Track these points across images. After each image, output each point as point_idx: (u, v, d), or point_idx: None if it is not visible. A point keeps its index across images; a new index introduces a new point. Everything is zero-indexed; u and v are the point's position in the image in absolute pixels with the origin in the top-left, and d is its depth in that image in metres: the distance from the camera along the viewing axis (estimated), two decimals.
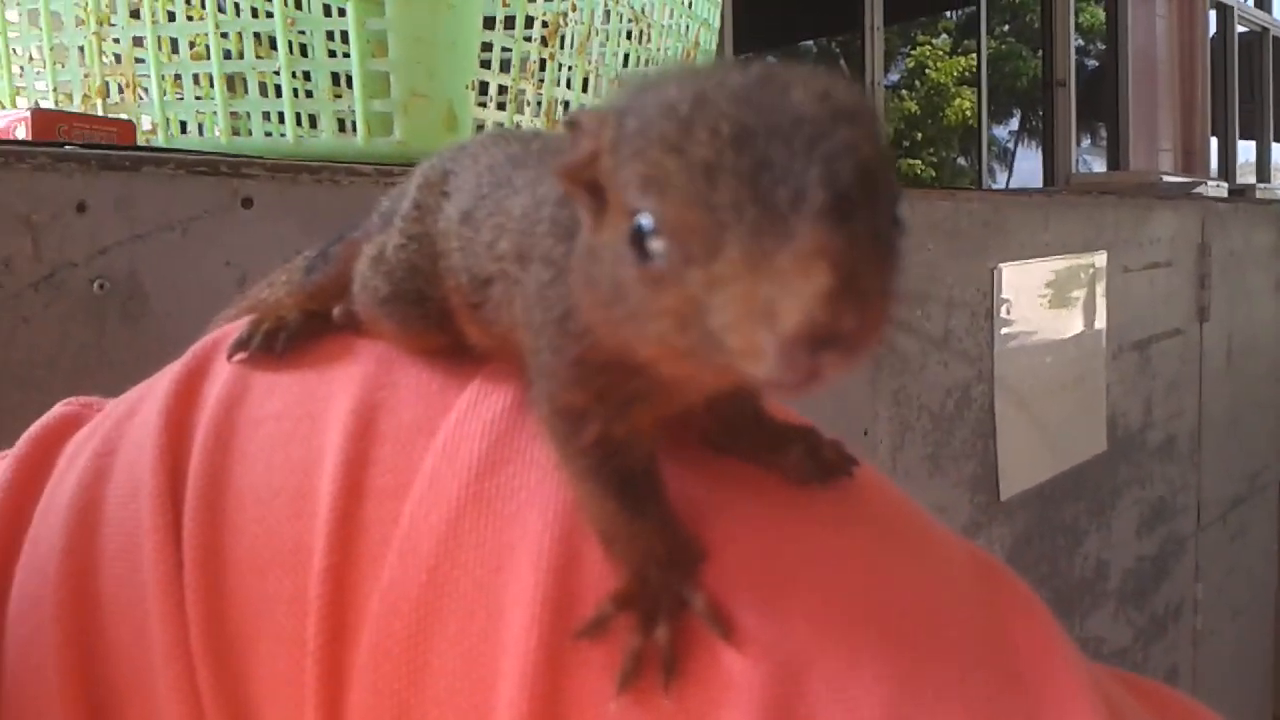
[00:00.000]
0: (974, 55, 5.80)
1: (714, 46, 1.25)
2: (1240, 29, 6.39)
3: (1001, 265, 1.55)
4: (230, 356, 0.42)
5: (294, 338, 0.42)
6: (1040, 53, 5.44)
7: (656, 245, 0.28)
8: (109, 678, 0.38)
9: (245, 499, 0.38)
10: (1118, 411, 1.92)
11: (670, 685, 0.31)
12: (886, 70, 4.74)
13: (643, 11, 1.11)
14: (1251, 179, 6.27)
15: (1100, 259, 1.82)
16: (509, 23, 0.95)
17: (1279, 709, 2.71)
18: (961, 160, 8.92)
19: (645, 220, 0.28)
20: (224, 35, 0.91)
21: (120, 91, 0.96)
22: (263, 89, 0.92)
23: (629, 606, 0.32)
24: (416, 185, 0.43)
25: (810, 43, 8.19)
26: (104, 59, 0.95)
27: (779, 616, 0.31)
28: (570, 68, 1.02)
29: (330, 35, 0.91)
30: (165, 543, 0.38)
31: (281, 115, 0.91)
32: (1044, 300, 1.67)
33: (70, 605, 0.38)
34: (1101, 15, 5.97)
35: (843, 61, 7.99)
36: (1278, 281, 2.71)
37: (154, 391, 0.42)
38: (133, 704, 0.37)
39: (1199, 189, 2.69)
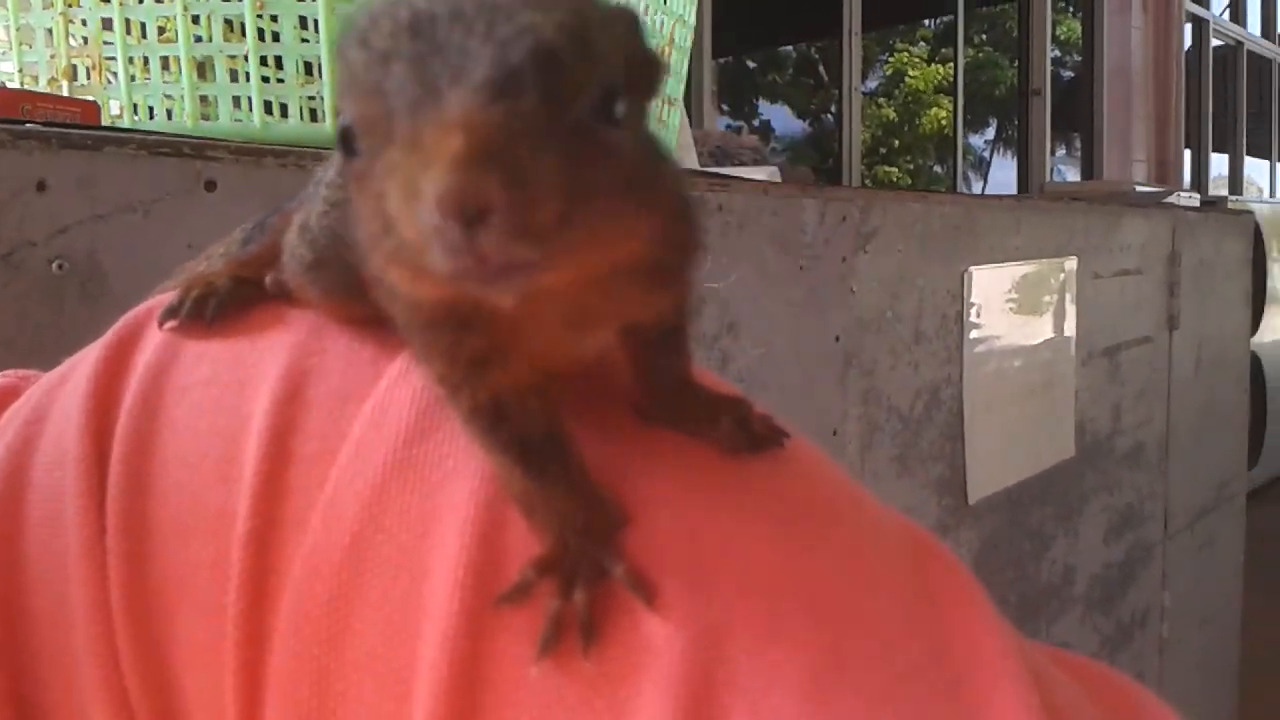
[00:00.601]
0: (952, 64, 5.83)
1: (689, 44, 1.25)
2: (1215, 43, 6.45)
3: (972, 268, 1.56)
4: (160, 324, 0.42)
5: (224, 305, 0.42)
6: (1017, 62, 5.47)
7: (357, 145, 0.29)
8: (30, 643, 0.37)
9: (170, 465, 0.38)
10: (1086, 417, 1.93)
11: (589, 649, 0.31)
12: (865, 77, 4.76)
13: None
14: (1224, 192, 6.33)
15: (1071, 264, 1.83)
16: None
17: (1244, 718, 2.73)
18: (937, 168, 8.96)
19: (344, 119, 0.29)
20: (195, 19, 0.90)
21: (87, 74, 0.95)
22: (232, 75, 0.91)
23: (550, 572, 0.32)
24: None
25: (789, 48, 8.23)
26: (71, 41, 0.94)
27: (702, 585, 0.31)
28: None
29: (302, 21, 0.91)
30: (89, 508, 0.38)
31: (250, 101, 0.90)
32: (1014, 304, 1.68)
33: None
34: (1078, 28, 6.01)
35: (822, 67, 8.02)
36: (1247, 292, 2.74)
37: (85, 360, 0.42)
38: (54, 670, 0.37)
39: (1170, 198, 2.70)
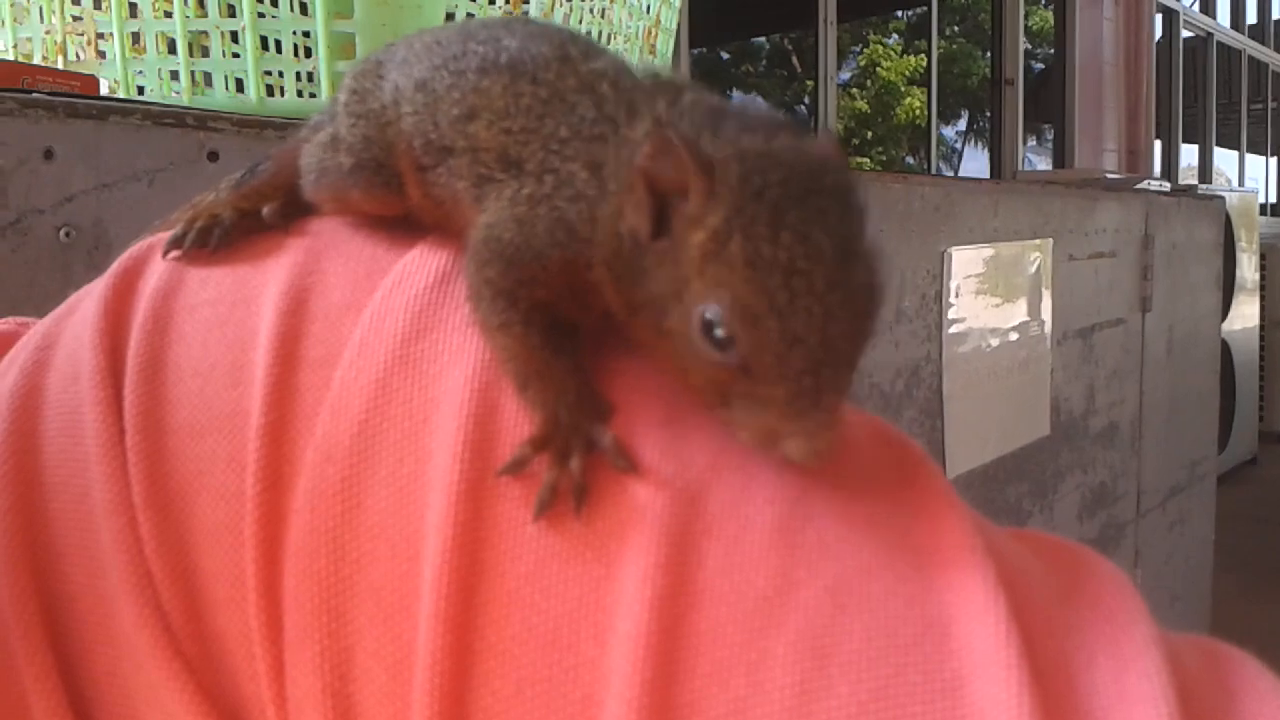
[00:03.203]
0: (925, 55, 5.87)
1: (674, 25, 1.26)
2: (1185, 34, 6.52)
3: (952, 249, 1.58)
4: (165, 254, 0.44)
5: (228, 234, 0.44)
6: (989, 54, 5.51)
7: (720, 333, 0.33)
8: (54, 545, 0.39)
9: (184, 373, 0.39)
10: (1061, 397, 1.96)
11: (581, 510, 0.34)
12: (838, 68, 4.78)
13: None
14: (1194, 181, 6.39)
15: (1046, 247, 1.86)
16: None
17: None
18: (910, 159, 9.01)
19: (714, 313, 0.33)
20: None
21: (81, 51, 0.96)
22: (224, 52, 0.92)
23: (544, 447, 0.35)
24: (350, 79, 0.46)
25: (763, 39, 8.24)
26: (65, 17, 0.95)
27: (679, 454, 0.35)
28: None
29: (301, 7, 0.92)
30: (106, 415, 0.39)
31: (242, 82, 0.91)
32: (992, 285, 1.70)
33: (12, 480, 0.39)
34: (1050, 19, 6.05)
35: (795, 58, 8.04)
36: (1218, 276, 2.78)
37: (91, 291, 0.44)
38: (77, 565, 0.39)
39: (1141, 185, 2.74)
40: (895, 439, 0.38)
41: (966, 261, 1.62)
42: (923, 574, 0.32)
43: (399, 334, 0.38)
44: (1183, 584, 2.65)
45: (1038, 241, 1.83)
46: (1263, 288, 5.53)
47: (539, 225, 0.37)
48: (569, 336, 0.37)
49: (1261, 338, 5.54)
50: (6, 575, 0.38)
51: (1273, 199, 7.78)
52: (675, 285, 0.34)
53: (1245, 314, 5.31)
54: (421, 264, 0.40)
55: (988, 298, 1.69)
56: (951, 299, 1.59)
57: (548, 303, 0.37)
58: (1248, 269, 5.23)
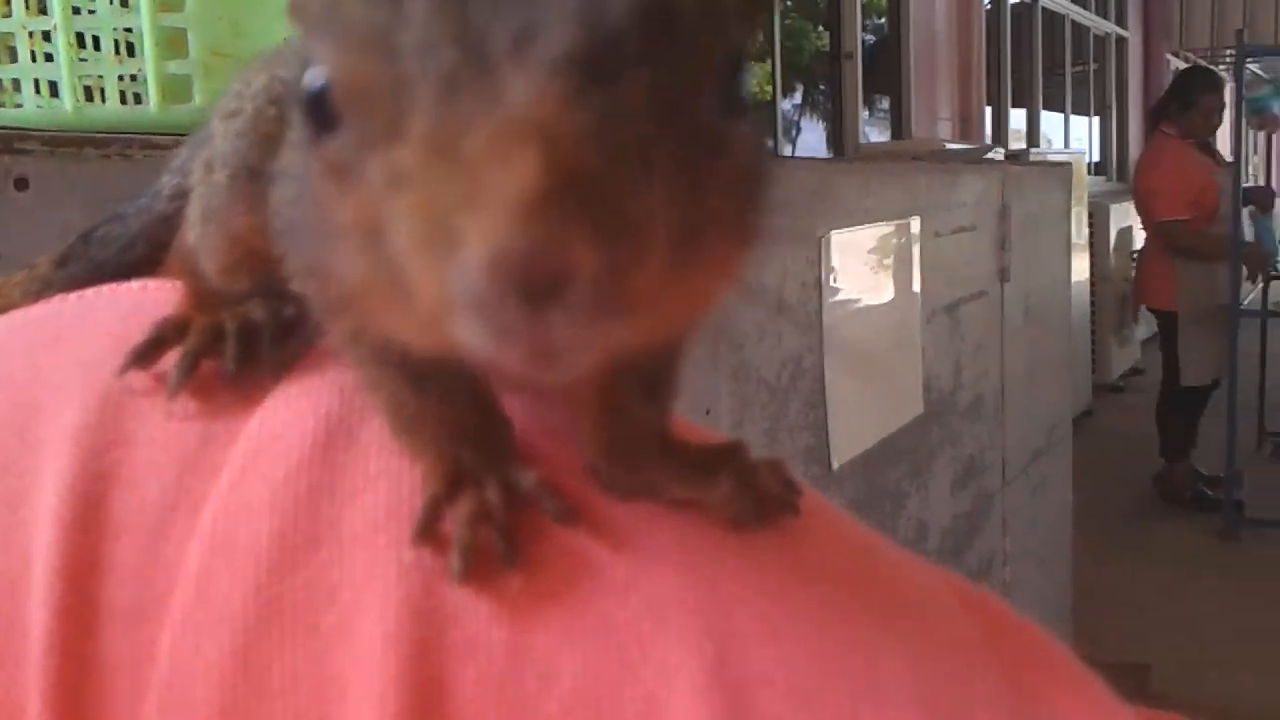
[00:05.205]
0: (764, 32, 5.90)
1: None
2: (1012, 0, 6.69)
3: (831, 233, 1.54)
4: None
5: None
6: (823, 27, 5.54)
7: (335, 115, 0.20)
8: None
9: None
10: (932, 374, 1.96)
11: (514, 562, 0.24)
12: None
13: None
14: (1023, 144, 6.59)
15: (915, 224, 1.84)
16: None
17: (1078, 650, 2.85)
18: None
19: (315, 76, 0.20)
20: None
21: None
22: (34, 55, 0.80)
23: (450, 500, 0.25)
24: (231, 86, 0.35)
25: None
26: None
27: (634, 510, 0.26)
28: None
29: None
30: None
31: (53, 86, 0.79)
32: (868, 267, 1.67)
33: None
34: None
35: None
36: (1067, 240, 2.84)
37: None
38: None
39: (990, 154, 2.78)
40: (989, 609, 0.30)
41: (844, 245, 1.58)
42: None
43: (261, 558, 0.26)
44: (1046, 548, 2.70)
45: (908, 219, 1.81)
46: (1092, 244, 5.73)
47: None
48: (465, 373, 0.26)
49: (1092, 292, 5.75)
50: None
51: (1096, 158, 8.09)
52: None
53: (1076, 269, 5.50)
54: (287, 406, 0.29)
55: (863, 281, 1.66)
56: (831, 284, 1.55)
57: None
58: (1076, 227, 5.41)
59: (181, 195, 0.37)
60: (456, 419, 0.26)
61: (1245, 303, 4.22)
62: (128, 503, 0.27)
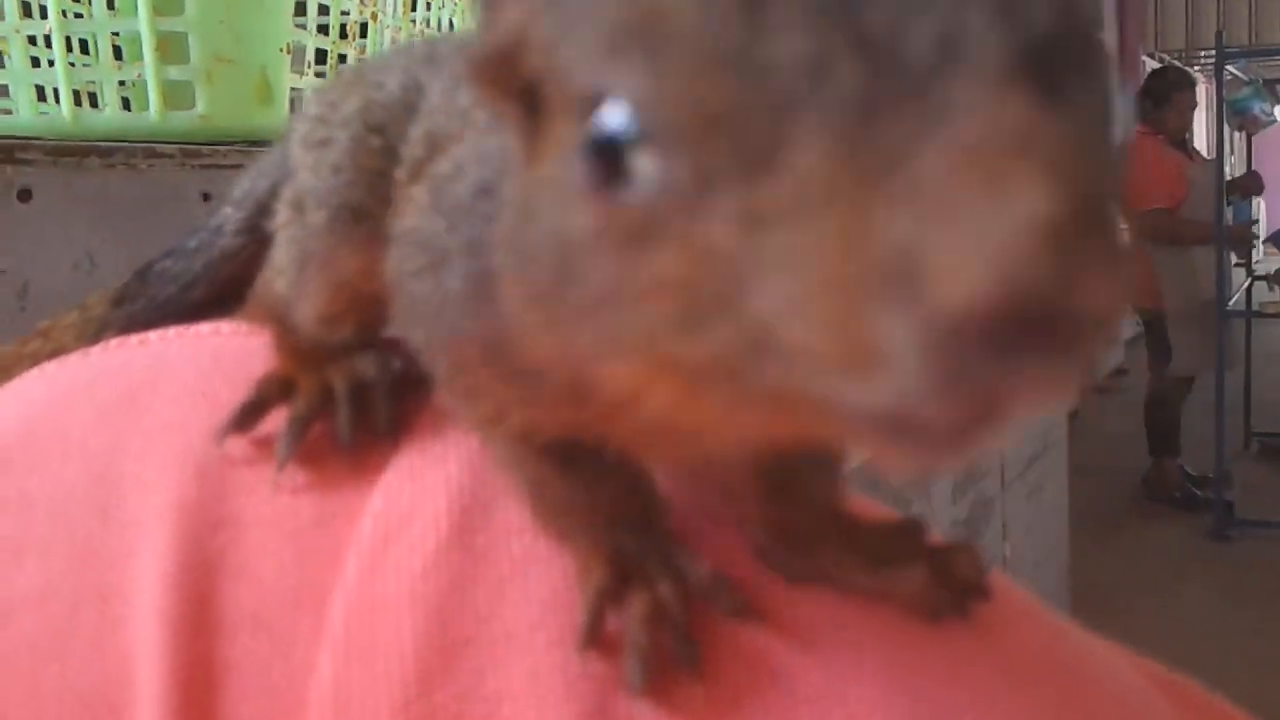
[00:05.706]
0: None
1: None
2: None
3: None
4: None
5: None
6: None
7: (642, 162, 0.16)
8: None
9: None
10: None
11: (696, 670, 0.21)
12: None
13: None
14: None
15: None
16: None
17: None
18: None
19: (615, 114, 0.16)
20: None
21: None
22: (33, 61, 0.76)
23: (618, 594, 0.22)
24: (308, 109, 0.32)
25: None
26: None
27: (803, 604, 0.23)
28: (397, 29, 0.90)
29: None
30: None
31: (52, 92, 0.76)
32: None
33: None
34: None
35: None
36: None
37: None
38: None
39: None
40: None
41: None
42: None
43: (409, 680, 0.22)
44: (1042, 552, 2.69)
45: None
46: None
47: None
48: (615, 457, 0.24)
49: None
50: None
51: None
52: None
53: None
54: (411, 482, 0.25)
55: None
56: None
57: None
58: None
59: (250, 231, 0.34)
60: (612, 501, 0.23)
61: (1229, 304, 4.22)
62: (241, 597, 0.23)
